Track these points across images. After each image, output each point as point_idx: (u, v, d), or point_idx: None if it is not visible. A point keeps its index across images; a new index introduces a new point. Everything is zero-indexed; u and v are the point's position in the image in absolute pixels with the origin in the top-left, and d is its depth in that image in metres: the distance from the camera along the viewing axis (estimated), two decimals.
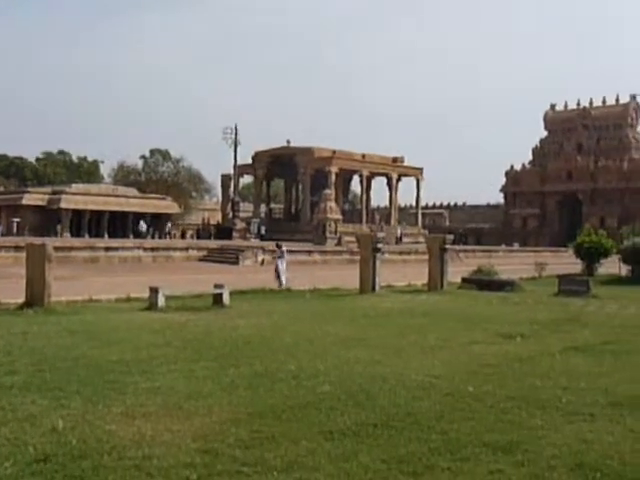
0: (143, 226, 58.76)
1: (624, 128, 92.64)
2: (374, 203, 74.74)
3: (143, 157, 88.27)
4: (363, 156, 64.58)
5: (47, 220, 56.49)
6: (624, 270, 30.80)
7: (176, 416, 6.18)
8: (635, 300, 19.11)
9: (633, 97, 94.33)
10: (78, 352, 9.30)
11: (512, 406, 6.76)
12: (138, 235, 55.49)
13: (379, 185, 68.73)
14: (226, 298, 16.13)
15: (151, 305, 15.10)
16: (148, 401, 6.70)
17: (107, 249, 36.19)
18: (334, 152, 61.44)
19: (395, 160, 67.71)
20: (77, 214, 58.04)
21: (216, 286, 16.47)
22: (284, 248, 24.79)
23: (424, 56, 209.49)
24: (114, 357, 8.95)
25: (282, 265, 23.28)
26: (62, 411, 6.27)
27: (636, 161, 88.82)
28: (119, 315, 13.83)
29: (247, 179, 76.74)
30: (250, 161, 67.01)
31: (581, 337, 11.76)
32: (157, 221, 63.02)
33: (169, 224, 62.22)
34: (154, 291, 15.42)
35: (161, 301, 15.18)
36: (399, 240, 56.74)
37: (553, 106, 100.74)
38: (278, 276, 22.79)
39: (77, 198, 58.09)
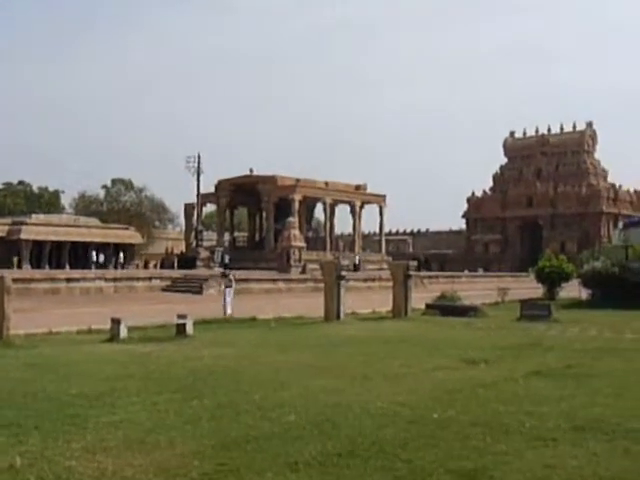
0: (94, 256, 57.60)
1: (582, 154, 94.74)
2: (338, 230, 75.06)
3: (105, 187, 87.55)
4: (326, 184, 64.96)
5: (6, 251, 55.47)
6: (584, 294, 31.30)
7: (138, 450, 6.06)
8: (595, 323, 19.40)
9: (589, 124, 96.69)
10: (37, 386, 9.10)
11: (476, 432, 6.77)
12: (90, 265, 54.47)
13: (343, 212, 69.15)
14: (189, 328, 15.97)
15: (113, 337, 14.88)
16: (109, 435, 6.57)
17: (68, 280, 35.59)
18: (297, 180, 61.70)
19: (358, 188, 68.24)
20: (37, 245, 57.16)
21: (179, 316, 16.31)
22: (231, 276, 24.82)
23: (390, 82, 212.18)
24: (74, 391, 8.77)
25: (230, 294, 23.20)
26: (20, 447, 6.11)
27: (594, 186, 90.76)
28: (80, 347, 13.59)
29: (210, 208, 76.63)
30: (213, 190, 66.92)
31: (543, 361, 11.87)
32: (119, 251, 62.33)
33: (121, 255, 60.94)
34: (116, 322, 15.21)
35: (123, 332, 14.97)
36: (357, 267, 56.03)
37: (512, 133, 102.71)
38: (224, 304, 22.74)
39: (38, 229, 57.26)
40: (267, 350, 13.28)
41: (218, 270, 50.29)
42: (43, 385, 9.19)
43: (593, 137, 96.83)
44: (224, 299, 23.19)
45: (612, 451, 6.13)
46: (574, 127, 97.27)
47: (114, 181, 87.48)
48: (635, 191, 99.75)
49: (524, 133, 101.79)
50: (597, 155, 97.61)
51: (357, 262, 57.36)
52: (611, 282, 29.89)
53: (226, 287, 23.72)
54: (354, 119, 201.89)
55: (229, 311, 22.39)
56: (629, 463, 5.77)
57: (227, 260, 56.45)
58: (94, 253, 58.27)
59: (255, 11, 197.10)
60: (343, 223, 76.99)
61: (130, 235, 65.11)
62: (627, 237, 33.11)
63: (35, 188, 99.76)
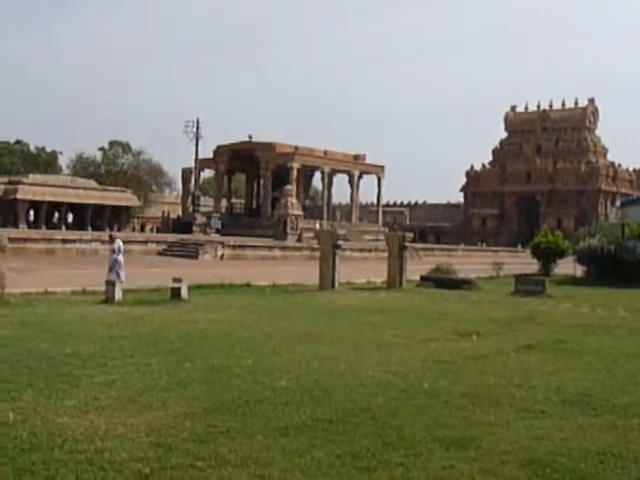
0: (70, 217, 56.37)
1: (582, 131, 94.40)
2: (335, 200, 74.93)
3: (102, 149, 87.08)
4: (325, 153, 64.69)
5: (2, 211, 55.37)
6: (579, 271, 31.38)
7: (130, 410, 6.11)
8: (589, 300, 19.48)
9: (591, 100, 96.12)
10: (31, 344, 9.14)
11: (466, 402, 6.84)
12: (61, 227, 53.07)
13: (341, 182, 68.99)
14: (184, 292, 16.01)
15: (108, 298, 14.91)
16: (102, 395, 6.61)
17: (64, 241, 35.62)
18: (296, 148, 61.42)
19: (357, 157, 67.99)
20: (34, 205, 57.02)
21: (174, 280, 16.34)
22: (119, 241, 19.54)
23: (390, 56, 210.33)
24: (68, 350, 8.82)
25: (118, 264, 18.66)
26: (12, 404, 6.15)
27: (593, 164, 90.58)
28: (74, 308, 13.63)
29: (208, 173, 76.38)
30: (211, 155, 66.60)
31: (535, 336, 11.95)
32: (116, 214, 62.26)
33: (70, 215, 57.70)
34: (111, 284, 15.25)
35: (118, 294, 15.00)
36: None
37: (514, 108, 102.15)
38: (117, 274, 18.28)
39: (35, 189, 57.11)
40: (261, 316, 13.34)
41: (215, 236, 50.34)
42: (37, 344, 9.23)
43: (595, 114, 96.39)
44: (112, 267, 18.65)
45: (599, 425, 6.20)
46: (576, 103, 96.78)
47: (111, 143, 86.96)
48: (634, 170, 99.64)
49: (526, 108, 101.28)
50: (598, 132, 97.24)
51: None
52: (606, 260, 29.95)
53: (112, 252, 19.09)
54: (354, 90, 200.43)
55: (122, 278, 18.05)
56: (615, 437, 5.84)
57: (219, 226, 56.21)
58: (71, 216, 57.06)
59: None
60: (341, 193, 76.98)
61: (127, 198, 64.99)
62: (624, 215, 33.12)
63: (32, 148, 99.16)
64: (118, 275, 18.44)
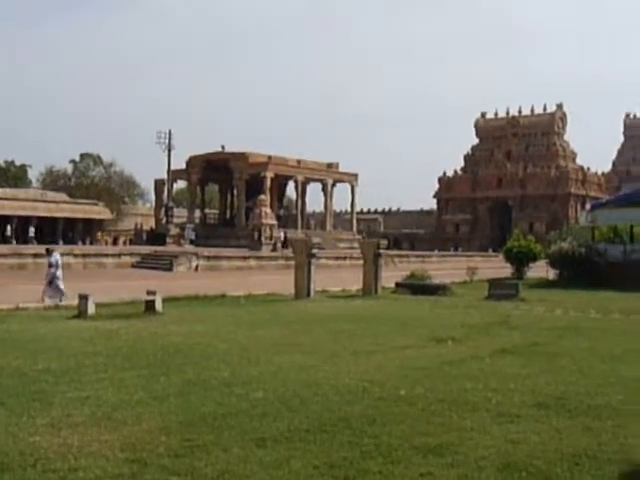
0: (31, 231, 55.74)
1: (551, 136, 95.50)
2: (309, 209, 74.95)
3: (73, 161, 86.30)
4: (298, 162, 64.72)
5: None
6: (552, 274, 31.73)
7: (104, 426, 6.03)
8: (561, 303, 19.68)
9: (559, 106, 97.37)
10: (2, 361, 9.00)
11: (443, 408, 6.85)
12: (30, 241, 51.94)
13: (314, 191, 69.07)
14: (159, 305, 15.88)
15: (81, 313, 14.74)
16: (75, 411, 6.52)
17: (35, 255, 35.10)
18: (269, 157, 61.38)
19: (330, 166, 68.12)
20: (3, 220, 56.26)
21: (148, 293, 16.20)
22: (57, 254, 19.26)
23: (361, 65, 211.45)
24: (40, 366, 8.69)
25: (56, 277, 18.39)
26: None
27: (563, 168, 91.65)
28: (47, 323, 13.45)
29: (181, 184, 75.99)
30: (184, 166, 66.31)
31: (510, 340, 12.03)
32: (88, 227, 61.66)
33: (32, 229, 55.41)
34: (84, 298, 15.07)
35: (91, 308, 14.84)
36: (285, 244, 48.88)
37: (484, 114, 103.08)
38: (58, 289, 18.20)
39: (4, 203, 56.34)
40: (236, 327, 13.26)
41: (189, 247, 50.03)
42: (9, 361, 9.09)
43: (563, 119, 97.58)
44: (50, 282, 18.32)
45: (574, 427, 6.25)
46: (544, 109, 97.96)
47: (82, 156, 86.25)
48: (603, 173, 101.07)
49: (495, 114, 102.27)
50: (566, 137, 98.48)
51: (283, 238, 51.81)
52: (577, 263, 30.35)
53: (50, 267, 18.60)
54: (326, 99, 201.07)
55: (47, 301, 17.72)
56: (589, 439, 5.89)
57: (193, 237, 55.92)
58: (31, 228, 56.06)
59: None
60: (315, 201, 77.06)
61: (98, 211, 64.42)
62: (594, 219, 33.54)
63: (1, 162, 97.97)
64: (59, 290, 18.24)
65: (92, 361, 9.20)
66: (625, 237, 34.26)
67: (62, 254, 36.12)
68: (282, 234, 52.42)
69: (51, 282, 18.35)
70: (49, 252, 19.50)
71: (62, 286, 18.34)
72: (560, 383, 8.20)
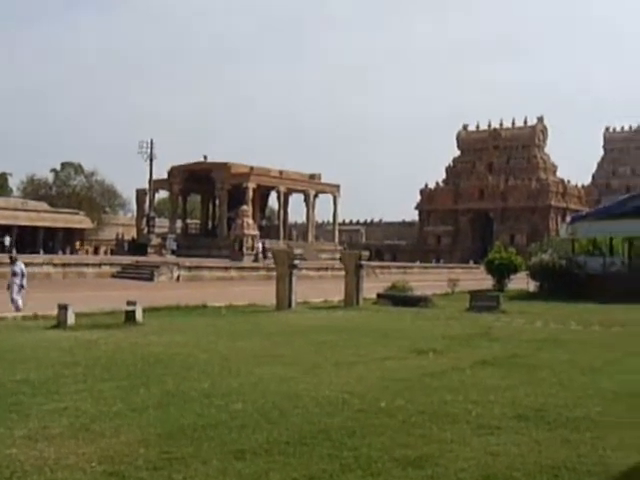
0: (7, 240, 55.18)
1: (532, 149, 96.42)
2: (291, 219, 75.04)
3: (54, 170, 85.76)
4: (281, 173, 64.79)
5: None
6: (532, 286, 31.96)
7: (82, 438, 5.96)
8: (542, 315, 19.79)
9: (540, 119, 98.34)
10: None
11: (423, 420, 6.85)
12: (2, 250, 51.39)
13: (296, 201, 69.13)
14: (139, 315, 15.77)
15: (60, 323, 14.60)
16: (53, 423, 6.45)
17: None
18: (251, 168, 61.41)
19: (312, 177, 68.29)
20: None
21: (129, 303, 16.09)
22: (20, 263, 18.90)
23: (344, 77, 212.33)
24: (18, 377, 8.59)
25: (17, 288, 18.23)
26: None
27: (543, 181, 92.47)
28: (25, 333, 13.30)
29: (163, 194, 75.75)
30: (166, 176, 66.13)
31: (490, 351, 12.07)
32: (69, 236, 61.19)
33: (7, 238, 54.80)
34: (63, 308, 14.92)
35: (71, 318, 14.69)
36: (265, 254, 48.99)
37: (465, 127, 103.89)
38: (12, 300, 18.08)
39: None
40: (217, 338, 13.20)
41: (170, 257, 49.84)
42: None
43: (544, 132, 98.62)
44: (12, 292, 18.17)
45: (553, 439, 6.27)
46: (525, 122, 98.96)
47: (63, 165, 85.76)
48: (583, 186, 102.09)
49: (477, 127, 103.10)
50: (547, 150, 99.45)
51: (261, 249, 51.99)
52: (558, 275, 30.61)
53: (13, 275, 18.36)
54: (310, 110, 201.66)
55: (20, 305, 17.89)
56: (568, 451, 5.90)
57: (174, 247, 55.74)
58: (7, 237, 55.41)
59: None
60: (297, 212, 77.10)
61: (79, 220, 64.03)
62: (574, 231, 33.86)
63: None
64: (13, 301, 18.03)
65: (71, 372, 9.10)
66: (604, 249, 34.63)
67: (42, 263, 36.11)
68: (260, 244, 52.52)
69: (16, 290, 18.14)
70: (12, 261, 19.22)
71: (19, 297, 18.11)
72: (540, 395, 8.23)
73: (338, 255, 52.86)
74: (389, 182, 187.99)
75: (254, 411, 7.07)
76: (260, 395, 7.87)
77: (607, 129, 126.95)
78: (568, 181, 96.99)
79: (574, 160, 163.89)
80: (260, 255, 49.47)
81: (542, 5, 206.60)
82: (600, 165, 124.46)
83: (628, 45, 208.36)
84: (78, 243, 61.88)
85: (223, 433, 6.22)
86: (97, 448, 5.67)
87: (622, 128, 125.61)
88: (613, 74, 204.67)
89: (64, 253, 56.25)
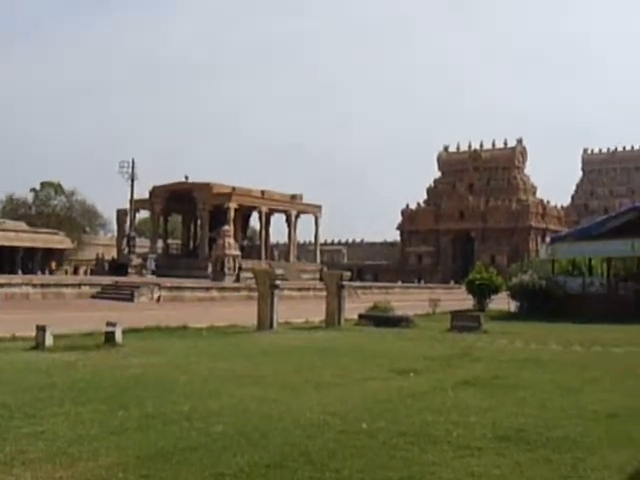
0: None
1: (512, 170, 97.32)
2: (273, 239, 75.00)
3: (33, 190, 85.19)
4: (262, 193, 64.81)
5: None
6: (513, 306, 32.13)
7: (59, 462, 5.87)
8: (522, 335, 19.86)
9: (519, 141, 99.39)
10: None
11: (404, 442, 6.82)
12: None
13: (278, 222, 69.17)
14: (119, 336, 15.61)
15: (38, 344, 14.41)
16: (30, 447, 6.34)
17: None
18: (233, 188, 61.37)
19: (294, 197, 68.36)
20: None
21: (108, 324, 15.93)
22: None
23: (325, 96, 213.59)
24: None
25: None
26: None
27: (523, 202, 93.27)
28: (2, 355, 13.10)
29: (144, 214, 75.44)
30: (147, 196, 65.91)
31: (472, 372, 12.08)
32: (48, 256, 60.61)
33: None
34: (41, 329, 14.74)
35: (49, 340, 14.52)
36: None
37: (446, 148, 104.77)
38: None
39: None
40: (198, 359, 13.11)
41: (151, 277, 49.52)
42: None
43: (523, 153, 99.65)
44: None
45: (534, 460, 6.27)
46: (505, 143, 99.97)
47: (43, 184, 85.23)
48: (562, 207, 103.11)
49: (457, 148, 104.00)
50: (527, 171, 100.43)
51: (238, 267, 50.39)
52: (538, 295, 30.83)
53: None
54: (292, 131, 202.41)
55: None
56: (550, 472, 5.91)
57: (154, 267, 55.50)
58: None
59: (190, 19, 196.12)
60: (279, 232, 77.09)
61: (59, 240, 63.49)
62: (554, 252, 34.13)
63: None
64: None
65: (48, 394, 8.98)
66: (584, 270, 34.91)
67: (21, 284, 35.70)
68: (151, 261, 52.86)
69: None
70: None
71: None
72: (521, 415, 8.24)
73: (319, 275, 52.84)
74: (372, 203, 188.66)
75: (235, 433, 7.01)
76: (241, 417, 7.82)
77: (585, 151, 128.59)
78: (547, 202, 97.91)
79: (553, 181, 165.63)
80: (237, 272, 49.28)
81: (521, 26, 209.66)
82: (579, 186, 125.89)
83: (607, 68, 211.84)
84: (54, 263, 61.01)
85: (203, 456, 6.16)
86: (74, 472, 5.60)
87: (600, 150, 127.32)
88: (591, 97, 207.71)
89: (43, 273, 55.72)
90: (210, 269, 50.84)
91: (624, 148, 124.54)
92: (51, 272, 57.48)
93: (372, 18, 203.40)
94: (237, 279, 48.45)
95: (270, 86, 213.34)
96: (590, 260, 34.85)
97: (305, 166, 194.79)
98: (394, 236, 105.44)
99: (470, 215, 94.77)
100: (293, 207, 67.29)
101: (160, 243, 68.58)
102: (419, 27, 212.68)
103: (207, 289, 41.77)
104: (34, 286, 35.80)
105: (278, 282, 22.08)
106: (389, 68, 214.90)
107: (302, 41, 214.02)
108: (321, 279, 56.86)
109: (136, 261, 57.79)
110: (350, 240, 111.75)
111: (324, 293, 24.36)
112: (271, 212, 66.52)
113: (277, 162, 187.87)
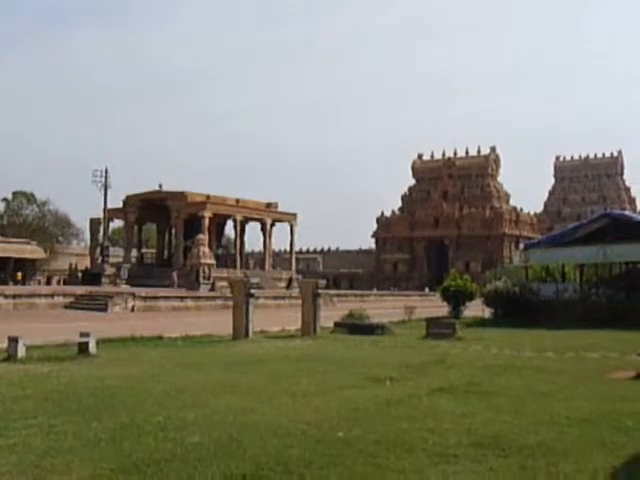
0: None
1: (486, 178, 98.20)
2: (248, 248, 74.83)
3: (5, 199, 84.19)
4: (237, 201, 64.70)
5: None
6: (487, 312, 32.35)
7: (31, 475, 5.80)
8: (497, 341, 20.00)
9: (493, 149, 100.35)
10: None
11: (380, 450, 6.84)
12: None
13: (253, 230, 69.05)
14: (92, 347, 15.47)
15: (10, 356, 14.22)
16: (1, 460, 6.26)
17: None
18: (208, 197, 61.19)
19: (269, 205, 68.32)
20: None
21: (82, 334, 15.78)
22: None
23: (301, 104, 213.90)
24: None
25: None
26: None
27: (497, 209, 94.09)
28: None
29: (118, 223, 74.87)
30: (121, 205, 65.46)
31: (446, 379, 12.13)
32: (20, 266, 59.79)
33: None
34: (13, 340, 14.55)
35: (21, 351, 14.33)
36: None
37: (420, 156, 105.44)
38: None
39: None
40: (173, 369, 13.02)
41: (125, 287, 49.10)
42: None
43: (497, 161, 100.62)
44: None
45: (508, 466, 6.31)
46: (479, 151, 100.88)
47: (15, 194, 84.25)
48: (535, 214, 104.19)
49: (432, 156, 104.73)
50: (500, 178, 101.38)
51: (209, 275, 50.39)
52: (512, 301, 31.09)
53: None
54: (269, 138, 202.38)
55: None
56: (524, 478, 5.96)
57: (125, 275, 55.11)
58: None
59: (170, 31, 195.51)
60: (254, 241, 76.97)
61: (31, 250, 62.70)
62: (527, 258, 34.45)
63: None
64: None
65: (21, 406, 8.87)
66: (557, 276, 35.28)
67: None
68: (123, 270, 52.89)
69: None
70: None
71: None
72: (495, 422, 8.29)
73: (295, 284, 52.78)
74: (347, 210, 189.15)
75: (210, 443, 6.97)
76: (217, 427, 7.77)
77: (557, 158, 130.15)
78: (521, 209, 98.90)
79: (526, 189, 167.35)
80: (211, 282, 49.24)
81: (495, 38, 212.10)
82: (551, 193, 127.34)
83: (578, 75, 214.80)
84: (19, 274, 59.82)
85: (178, 467, 6.12)
86: None
87: (572, 157, 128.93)
88: (563, 105, 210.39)
89: (15, 284, 54.95)
90: (175, 277, 50.82)
91: (595, 155, 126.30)
92: (16, 283, 56.44)
93: (362, 25, 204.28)
94: (212, 288, 48.25)
95: (240, 94, 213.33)
96: (563, 266, 35.23)
97: (280, 174, 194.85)
98: (369, 244, 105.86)
99: (444, 222, 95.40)
100: (268, 215, 67.25)
101: (134, 252, 68.09)
102: (401, 36, 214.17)
103: (182, 298, 41.51)
104: (5, 297, 35.31)
105: (253, 291, 22.03)
106: (368, 75, 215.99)
107: (274, 52, 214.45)
108: (287, 287, 57.04)
109: (110, 270, 57.32)
110: (326, 248, 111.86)
111: (300, 301, 24.34)
112: (246, 220, 66.41)
113: (253, 171, 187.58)
